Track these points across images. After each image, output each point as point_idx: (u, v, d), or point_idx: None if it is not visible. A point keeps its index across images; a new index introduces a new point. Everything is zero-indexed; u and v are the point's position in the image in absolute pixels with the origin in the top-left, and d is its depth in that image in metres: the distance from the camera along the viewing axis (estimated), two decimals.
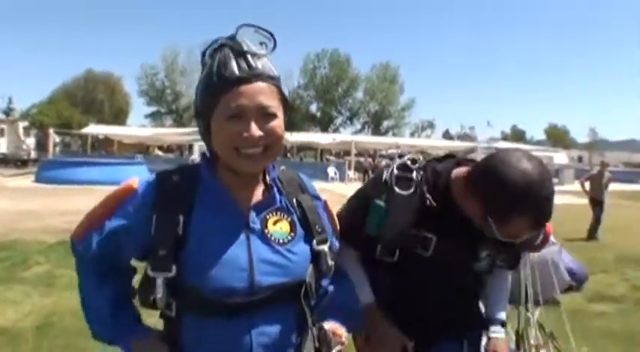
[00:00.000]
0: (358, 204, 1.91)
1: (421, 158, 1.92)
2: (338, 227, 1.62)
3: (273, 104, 1.27)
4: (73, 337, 4.45)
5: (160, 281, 1.25)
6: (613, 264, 8.24)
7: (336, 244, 1.58)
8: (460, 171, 1.79)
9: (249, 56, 1.25)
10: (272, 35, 1.29)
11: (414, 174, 1.81)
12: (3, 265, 6.98)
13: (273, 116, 1.27)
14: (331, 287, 1.54)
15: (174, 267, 1.25)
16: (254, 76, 1.24)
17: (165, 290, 1.25)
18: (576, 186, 32.71)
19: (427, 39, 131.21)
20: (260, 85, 1.25)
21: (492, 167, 1.60)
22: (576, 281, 2.76)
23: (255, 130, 1.23)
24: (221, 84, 1.24)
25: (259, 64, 1.26)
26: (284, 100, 1.33)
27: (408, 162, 1.84)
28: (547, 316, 4.50)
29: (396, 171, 1.81)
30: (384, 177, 1.83)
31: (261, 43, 1.29)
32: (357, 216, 1.84)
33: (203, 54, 1.31)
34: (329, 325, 1.45)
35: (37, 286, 6.00)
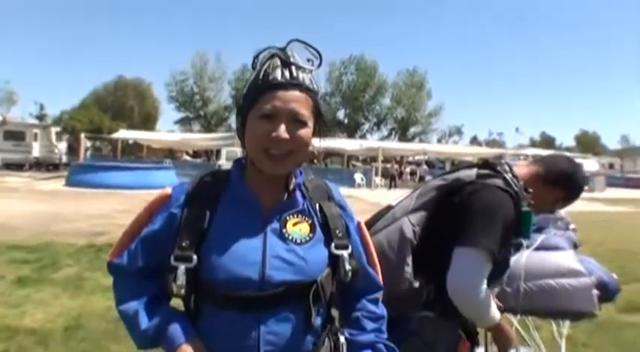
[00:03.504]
0: (505, 226, 1.98)
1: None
2: (373, 253, 1.64)
3: (305, 113, 1.34)
4: (100, 339, 4.50)
5: (181, 271, 1.31)
6: None
7: (369, 270, 1.60)
8: (525, 172, 2.22)
9: (293, 67, 1.35)
10: (319, 53, 1.39)
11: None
12: (33, 267, 7.09)
13: (303, 124, 1.34)
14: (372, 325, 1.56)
15: (195, 258, 1.32)
16: (293, 84, 1.33)
17: (186, 281, 1.31)
18: (607, 193, 32.40)
19: (455, 44, 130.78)
20: (296, 93, 1.34)
21: (569, 168, 2.23)
22: (608, 293, 2.71)
23: (283, 133, 1.31)
24: (263, 86, 1.33)
25: (301, 76, 1.35)
26: (318, 113, 1.40)
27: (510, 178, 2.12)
28: (578, 327, 4.45)
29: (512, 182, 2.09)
30: (507, 189, 2.04)
31: (308, 60, 1.39)
32: (503, 231, 1.97)
33: (254, 58, 1.39)
34: None
35: (67, 288, 6.08)
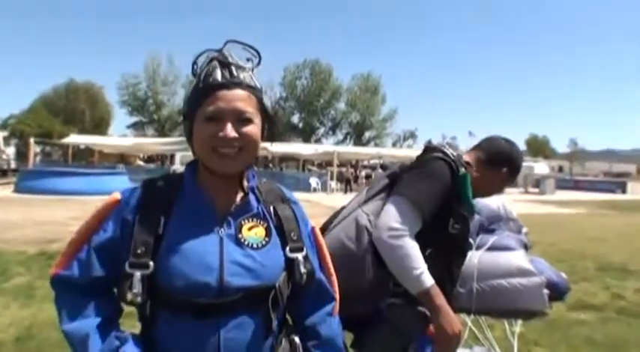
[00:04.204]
0: (442, 188, 2.08)
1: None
2: (329, 262, 1.64)
3: (250, 110, 1.35)
4: (52, 349, 4.39)
5: (137, 278, 1.28)
6: (594, 273, 8.30)
7: (322, 277, 1.59)
8: (468, 161, 2.30)
9: (233, 67, 1.36)
10: (257, 52, 1.40)
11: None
12: None
13: (249, 121, 1.35)
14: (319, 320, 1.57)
15: (151, 264, 1.30)
16: (234, 83, 1.34)
17: (142, 288, 1.28)
18: (557, 196, 33.25)
19: (408, 49, 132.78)
20: (239, 92, 1.34)
21: (507, 148, 2.37)
22: (558, 292, 2.79)
23: (230, 131, 1.31)
24: (204, 89, 1.34)
25: (241, 75, 1.36)
26: (263, 110, 1.42)
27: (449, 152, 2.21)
28: (529, 325, 4.56)
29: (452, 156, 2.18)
30: (444, 158, 2.15)
31: (247, 59, 1.40)
32: (437, 193, 2.06)
33: (193, 64, 1.40)
34: None
35: (17, 297, 5.90)
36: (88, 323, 1.32)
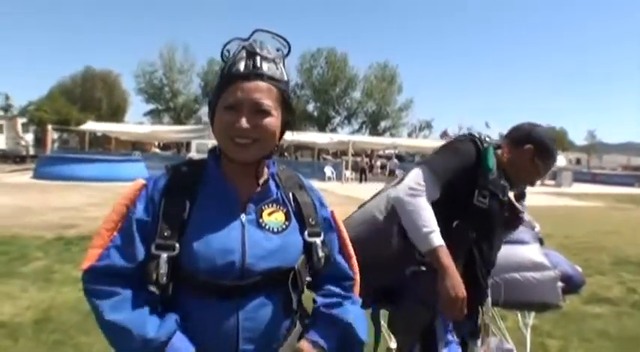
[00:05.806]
0: (464, 160, 2.23)
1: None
2: (348, 244, 1.67)
3: (268, 102, 1.36)
4: (70, 331, 4.47)
5: (163, 260, 1.31)
6: (609, 267, 8.26)
7: (339, 259, 1.61)
8: (500, 152, 2.39)
9: (258, 58, 1.37)
10: (287, 41, 1.42)
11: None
12: (1, 260, 6.96)
13: (266, 113, 1.36)
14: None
15: (177, 246, 1.33)
16: (255, 74, 1.36)
17: (167, 269, 1.31)
18: (574, 188, 32.92)
19: (425, 39, 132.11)
20: (259, 83, 1.36)
21: (527, 127, 2.41)
22: (573, 286, 2.81)
23: (244, 123, 1.34)
24: (227, 78, 1.37)
25: (265, 66, 1.37)
26: (284, 103, 1.42)
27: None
28: (543, 317, 4.56)
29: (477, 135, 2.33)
30: (471, 138, 2.31)
31: (277, 49, 1.42)
32: (457, 165, 2.21)
33: (224, 50, 1.41)
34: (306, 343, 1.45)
35: (36, 281, 6.00)
36: (136, 310, 1.31)
